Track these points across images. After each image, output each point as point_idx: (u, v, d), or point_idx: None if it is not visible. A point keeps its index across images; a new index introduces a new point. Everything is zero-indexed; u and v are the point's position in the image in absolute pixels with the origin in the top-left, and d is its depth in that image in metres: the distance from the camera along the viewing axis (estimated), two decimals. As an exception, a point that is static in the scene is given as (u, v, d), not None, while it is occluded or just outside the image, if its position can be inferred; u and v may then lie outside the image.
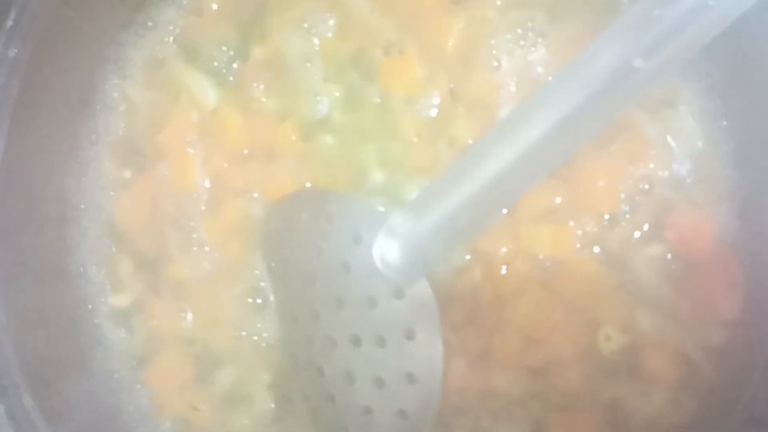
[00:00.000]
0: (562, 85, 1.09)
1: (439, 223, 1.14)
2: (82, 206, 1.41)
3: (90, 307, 1.41)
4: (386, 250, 1.17)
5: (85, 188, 1.42)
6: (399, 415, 1.18)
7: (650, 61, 1.05)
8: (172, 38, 1.43)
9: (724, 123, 1.26)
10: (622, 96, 1.06)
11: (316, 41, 1.36)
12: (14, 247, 1.28)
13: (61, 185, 1.40)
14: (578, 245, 1.25)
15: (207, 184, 1.38)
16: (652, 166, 1.24)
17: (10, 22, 1.20)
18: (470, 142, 1.28)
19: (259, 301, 1.35)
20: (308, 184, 1.34)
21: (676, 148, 1.25)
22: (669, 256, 1.23)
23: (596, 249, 1.25)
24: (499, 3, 1.31)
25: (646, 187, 1.24)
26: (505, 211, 1.20)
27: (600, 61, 1.07)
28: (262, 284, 1.35)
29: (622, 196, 1.24)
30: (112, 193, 1.42)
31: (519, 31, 1.30)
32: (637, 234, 1.24)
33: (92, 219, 1.41)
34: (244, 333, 1.34)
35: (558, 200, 1.25)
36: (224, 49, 1.39)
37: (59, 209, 1.40)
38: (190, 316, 1.37)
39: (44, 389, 1.23)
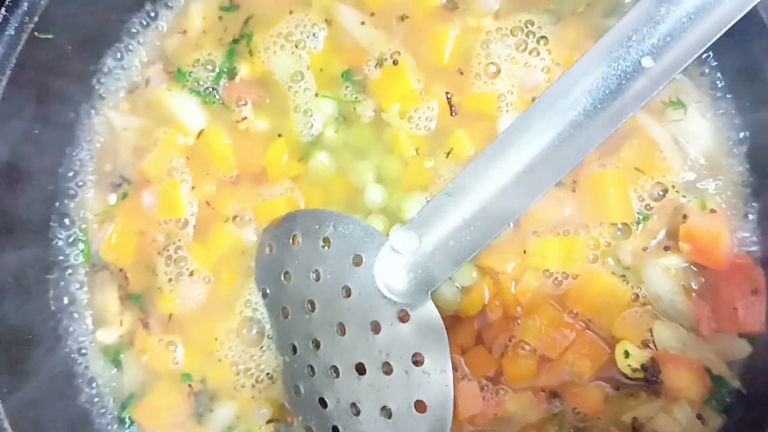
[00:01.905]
0: (567, 90, 1.04)
1: (443, 241, 1.09)
2: (66, 239, 1.35)
3: (76, 344, 1.34)
4: (388, 271, 1.12)
5: (69, 220, 1.36)
6: (409, 446, 1.11)
7: (661, 60, 1.00)
8: (155, 60, 1.37)
9: (737, 121, 1.21)
10: (632, 99, 1.02)
11: (306, 56, 1.31)
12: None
13: (44, 218, 1.34)
14: (590, 257, 1.19)
15: (195, 209, 1.32)
16: (663, 171, 1.19)
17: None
18: (471, 154, 1.23)
19: (254, 331, 1.28)
20: (302, 205, 1.28)
21: (688, 151, 1.20)
22: (685, 265, 1.18)
23: (610, 261, 1.19)
24: (497, 8, 1.26)
25: (660, 193, 1.19)
26: (511, 224, 1.14)
27: (606, 64, 1.03)
28: (258, 314, 1.28)
29: (635, 204, 1.18)
30: (96, 225, 1.36)
31: (518, 36, 1.24)
32: (651, 243, 1.18)
33: (76, 251, 1.35)
34: (241, 366, 1.27)
35: (567, 211, 1.20)
36: (209, 68, 1.34)
37: (41, 243, 1.33)
38: (182, 350, 1.30)
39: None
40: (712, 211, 1.18)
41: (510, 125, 1.07)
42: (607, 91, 1.02)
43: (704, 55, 1.21)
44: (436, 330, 1.09)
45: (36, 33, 1.19)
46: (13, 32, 1.18)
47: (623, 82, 1.02)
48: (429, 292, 1.10)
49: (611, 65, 1.02)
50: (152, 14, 1.37)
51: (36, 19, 1.19)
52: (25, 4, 1.18)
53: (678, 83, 1.20)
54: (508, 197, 1.06)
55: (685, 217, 1.16)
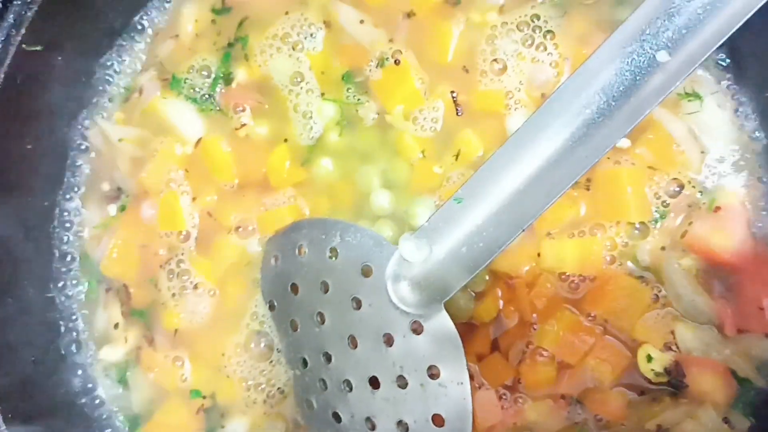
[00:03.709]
0: (580, 88, 0.99)
1: (455, 248, 1.05)
2: (65, 254, 1.31)
3: (81, 363, 1.31)
4: (399, 282, 1.08)
5: (69, 238, 1.32)
6: (428, 462, 1.08)
7: (677, 54, 0.95)
8: (148, 67, 1.33)
9: (755, 111, 1.16)
10: (648, 95, 0.97)
11: (304, 58, 1.26)
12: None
13: (41, 234, 1.30)
14: (607, 258, 1.15)
15: (196, 221, 1.28)
16: (681, 166, 1.14)
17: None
18: (480, 154, 1.19)
19: (263, 345, 1.25)
20: (307, 213, 1.24)
21: (705, 144, 1.15)
22: (706, 264, 1.13)
23: (628, 262, 1.15)
24: (501, 2, 1.21)
25: (676, 189, 1.14)
26: (523, 230, 1.09)
27: (619, 59, 0.98)
28: (266, 327, 1.24)
29: (652, 201, 1.14)
30: (95, 239, 1.32)
31: (524, 31, 1.20)
32: (670, 242, 1.14)
33: (77, 268, 1.31)
34: (251, 382, 1.24)
35: (581, 211, 1.16)
36: (205, 74, 1.29)
37: (40, 260, 1.30)
38: (190, 365, 1.26)
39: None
40: (717, 209, 1.13)
41: (521, 126, 1.02)
42: (621, 88, 0.97)
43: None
44: (451, 341, 1.05)
45: (24, 46, 1.15)
46: (0, 46, 1.13)
47: (638, 78, 0.97)
48: (442, 302, 1.06)
49: (625, 61, 0.97)
50: (143, 20, 1.33)
51: (23, 31, 1.14)
52: (11, 16, 1.14)
53: (693, 74, 1.15)
54: (521, 201, 1.01)
55: (705, 213, 1.12)
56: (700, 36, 0.95)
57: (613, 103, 0.98)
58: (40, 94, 1.24)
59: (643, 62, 0.97)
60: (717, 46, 0.94)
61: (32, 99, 1.22)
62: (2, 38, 1.14)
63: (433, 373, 1.06)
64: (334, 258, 1.13)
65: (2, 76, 1.14)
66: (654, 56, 0.96)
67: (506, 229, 1.03)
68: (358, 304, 1.11)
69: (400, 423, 1.09)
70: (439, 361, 1.05)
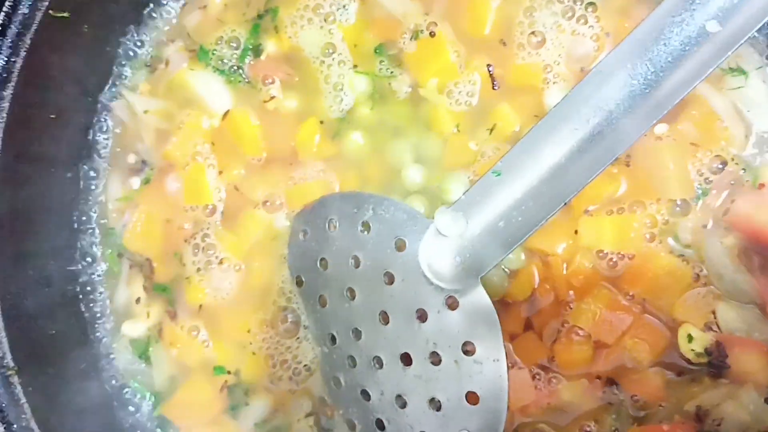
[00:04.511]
0: (626, 58, 0.97)
1: (492, 222, 1.02)
2: (87, 228, 1.29)
3: (102, 338, 1.28)
4: (434, 256, 1.05)
5: (92, 211, 1.30)
6: (461, 440, 1.05)
7: (728, 23, 0.93)
8: (175, 38, 1.30)
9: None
10: (697, 67, 0.94)
11: (336, 30, 1.23)
12: (21, 273, 1.17)
13: (64, 207, 1.28)
14: (647, 236, 1.12)
15: (223, 194, 1.25)
16: (723, 142, 1.12)
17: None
18: (516, 129, 1.17)
19: (290, 321, 1.22)
20: (336, 188, 1.22)
21: (749, 119, 1.12)
22: (749, 242, 1.10)
23: (668, 239, 1.12)
24: (541, -28, 1.19)
25: (719, 166, 1.12)
26: (563, 204, 1.06)
27: (668, 28, 0.95)
28: (293, 303, 1.22)
29: (695, 178, 1.11)
30: (118, 213, 1.30)
31: (564, 3, 1.17)
32: (712, 220, 1.12)
33: (100, 242, 1.29)
34: (277, 359, 1.21)
35: (621, 188, 1.13)
36: (233, 45, 1.27)
37: (63, 233, 1.27)
38: (214, 342, 1.24)
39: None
40: (761, 186, 1.10)
41: (564, 97, 0.99)
42: (669, 59, 0.95)
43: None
44: (487, 317, 1.03)
45: (51, 12, 1.12)
46: (27, 11, 1.10)
47: (687, 48, 0.94)
48: (479, 277, 1.03)
49: (674, 30, 0.94)
50: (170, -11, 1.31)
51: (51, -4, 1.12)
52: (39, -20, 1.11)
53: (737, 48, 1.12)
54: (562, 175, 0.99)
55: (748, 190, 1.09)
56: (751, 6, 0.93)
57: (661, 74, 0.95)
58: (65, 63, 1.21)
59: (693, 32, 0.94)
60: (769, 15, 0.91)
61: (57, 68, 1.20)
62: (30, 3, 1.11)
63: (467, 350, 1.03)
64: (366, 232, 1.11)
65: (28, 42, 1.11)
66: (704, 26, 0.94)
67: (546, 204, 1.00)
68: (391, 279, 1.08)
69: (432, 401, 1.06)
70: (475, 337, 1.02)
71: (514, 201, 1.01)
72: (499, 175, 1.02)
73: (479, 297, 1.03)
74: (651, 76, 0.95)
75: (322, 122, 1.23)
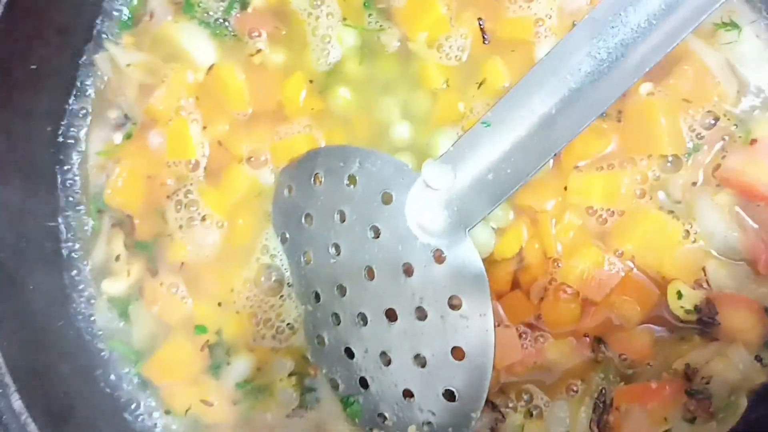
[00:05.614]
0: (618, 7, 0.95)
1: (480, 175, 1.01)
2: (67, 183, 1.25)
3: (81, 295, 1.25)
4: (421, 209, 1.03)
5: (72, 166, 1.27)
6: (446, 397, 1.03)
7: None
8: (160, -11, 1.27)
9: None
10: (689, 14, 0.93)
11: (324, -18, 1.21)
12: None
13: (44, 161, 1.24)
14: (637, 192, 1.11)
15: (206, 150, 1.23)
16: (716, 98, 1.10)
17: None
18: (506, 84, 1.15)
19: (273, 279, 1.20)
20: (322, 144, 1.20)
21: (742, 74, 1.11)
22: (741, 198, 1.09)
23: (659, 195, 1.11)
24: None
25: (711, 122, 1.10)
26: (552, 157, 1.04)
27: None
28: (277, 261, 1.19)
29: (686, 134, 1.10)
30: (100, 169, 1.26)
31: (557, -47, 1.15)
32: (703, 176, 1.10)
33: (80, 197, 1.26)
34: (260, 317, 1.19)
35: (611, 144, 1.11)
36: (220, -4, 1.24)
37: (43, 188, 1.24)
38: (195, 300, 1.21)
39: (36, 390, 1.07)
40: (753, 142, 1.09)
41: (553, 47, 0.98)
42: (663, 6, 0.93)
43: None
44: (475, 271, 1.01)
45: (31, -40, 1.09)
46: (7, -43, 1.07)
47: (679, -5, 0.93)
48: (467, 231, 1.02)
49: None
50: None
51: (31, -57, 1.09)
52: (18, -74, 1.08)
53: (730, 2, 1.11)
54: (552, 126, 0.98)
55: (740, 146, 1.08)
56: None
57: (654, 22, 0.94)
58: (47, 14, 1.18)
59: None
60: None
61: (39, 18, 1.16)
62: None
63: (454, 304, 1.01)
64: (352, 186, 1.09)
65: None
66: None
67: (535, 156, 0.99)
68: (377, 233, 1.07)
69: (417, 357, 1.05)
70: (461, 291, 1.01)
71: (503, 152, 1.00)
72: (488, 125, 1.00)
73: (467, 250, 1.02)
74: (644, 23, 0.94)
75: (311, 81, 1.20)
